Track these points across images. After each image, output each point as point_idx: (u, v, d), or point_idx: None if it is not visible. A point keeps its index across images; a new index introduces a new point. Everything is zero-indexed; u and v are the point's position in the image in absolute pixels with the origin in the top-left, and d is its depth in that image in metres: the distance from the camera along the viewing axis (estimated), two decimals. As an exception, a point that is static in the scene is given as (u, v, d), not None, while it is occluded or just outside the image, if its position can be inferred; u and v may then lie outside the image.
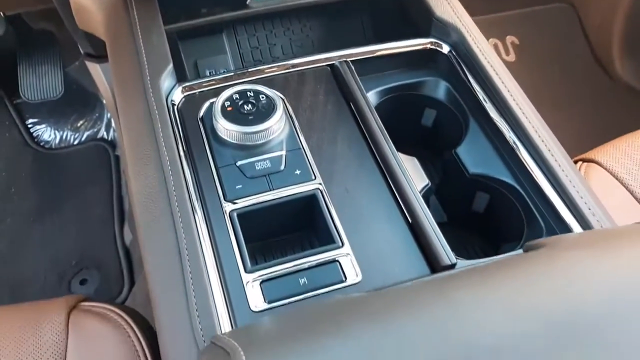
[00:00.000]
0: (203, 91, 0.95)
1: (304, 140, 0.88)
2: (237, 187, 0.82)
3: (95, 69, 1.41)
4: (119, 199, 1.66)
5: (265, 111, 0.87)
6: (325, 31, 1.21)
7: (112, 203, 1.66)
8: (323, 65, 1.00)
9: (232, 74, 0.98)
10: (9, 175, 1.74)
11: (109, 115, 1.83)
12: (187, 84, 0.95)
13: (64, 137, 1.84)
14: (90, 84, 1.87)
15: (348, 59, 0.99)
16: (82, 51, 1.41)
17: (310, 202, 0.82)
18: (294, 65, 1.00)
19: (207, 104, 0.93)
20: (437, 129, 1.04)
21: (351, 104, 0.94)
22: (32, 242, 1.62)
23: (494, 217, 0.91)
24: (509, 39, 2.13)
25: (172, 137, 0.86)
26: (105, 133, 1.84)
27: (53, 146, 1.83)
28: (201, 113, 0.91)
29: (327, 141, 0.89)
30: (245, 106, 0.88)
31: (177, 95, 0.94)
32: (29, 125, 1.85)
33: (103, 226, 1.62)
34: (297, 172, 0.84)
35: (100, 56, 1.39)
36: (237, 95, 0.89)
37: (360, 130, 0.91)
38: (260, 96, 0.89)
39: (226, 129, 0.85)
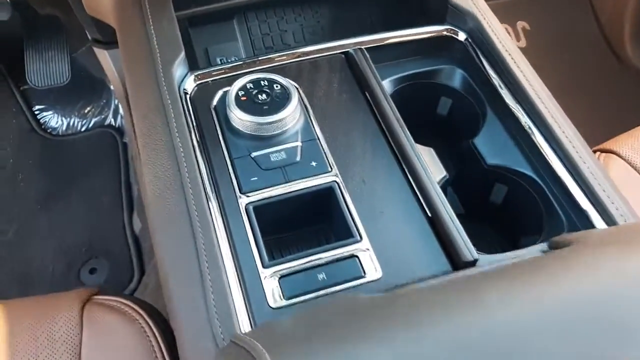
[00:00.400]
0: (216, 80, 0.93)
1: (319, 131, 0.86)
2: (252, 179, 0.80)
3: (103, 56, 1.39)
4: (127, 186, 1.65)
5: (280, 101, 0.85)
6: (337, 17, 1.18)
7: (120, 190, 1.65)
8: (337, 53, 0.98)
9: (244, 62, 0.96)
10: (16, 163, 1.73)
11: (116, 102, 1.81)
12: (199, 72, 0.94)
13: (71, 123, 1.82)
14: (98, 70, 1.84)
15: (363, 47, 0.97)
16: (89, 37, 1.39)
17: (327, 195, 0.80)
18: (307, 53, 0.98)
19: (220, 93, 0.91)
20: (453, 118, 1.02)
21: (366, 92, 0.92)
22: (40, 230, 1.61)
23: (512, 209, 0.90)
24: (520, 24, 2.10)
25: (185, 126, 0.84)
26: (112, 120, 1.82)
27: (60, 133, 1.81)
28: (214, 102, 0.90)
29: (342, 131, 0.87)
30: (260, 96, 0.86)
31: (190, 84, 0.92)
32: (36, 112, 1.83)
33: (111, 214, 1.61)
34: (313, 163, 0.82)
35: (108, 42, 1.37)
36: (251, 85, 0.87)
37: (376, 120, 0.89)
38: (275, 85, 0.87)
39: (240, 119, 0.84)
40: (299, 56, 0.97)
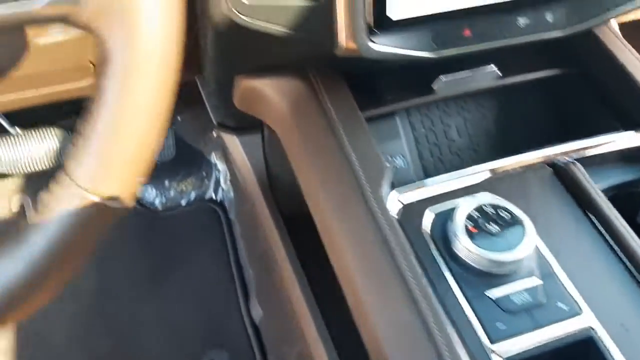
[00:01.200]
0: (422, 199, 0.86)
1: (555, 262, 0.79)
2: (497, 324, 0.73)
3: (231, 141, 1.32)
4: (237, 267, 1.56)
5: (512, 231, 0.78)
6: (505, 111, 1.11)
7: (230, 272, 1.56)
8: (542, 165, 0.91)
9: (448, 178, 0.89)
10: (116, 240, 1.65)
11: (217, 174, 1.73)
12: (404, 189, 0.86)
13: (169, 197, 1.74)
14: (195, 141, 1.78)
15: (573, 158, 0.90)
16: (215, 121, 1.33)
17: (585, 344, 0.72)
18: (511, 165, 0.90)
19: (428, 215, 0.83)
20: None
21: (589, 212, 0.85)
22: (150, 316, 1.52)
23: None
24: None
25: (412, 259, 0.77)
26: (213, 194, 1.74)
27: (159, 207, 1.73)
28: (426, 226, 0.82)
29: (577, 261, 0.80)
30: (488, 225, 0.78)
31: (394, 204, 0.85)
32: (133, 186, 1.75)
33: (225, 299, 1.52)
34: (562, 306, 0.74)
35: (237, 128, 1.30)
36: (477, 213, 0.80)
37: (607, 244, 0.82)
38: (501, 212, 0.80)
39: (473, 253, 0.76)
40: (500, 168, 0.90)
